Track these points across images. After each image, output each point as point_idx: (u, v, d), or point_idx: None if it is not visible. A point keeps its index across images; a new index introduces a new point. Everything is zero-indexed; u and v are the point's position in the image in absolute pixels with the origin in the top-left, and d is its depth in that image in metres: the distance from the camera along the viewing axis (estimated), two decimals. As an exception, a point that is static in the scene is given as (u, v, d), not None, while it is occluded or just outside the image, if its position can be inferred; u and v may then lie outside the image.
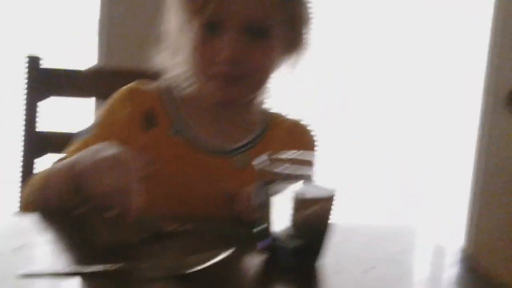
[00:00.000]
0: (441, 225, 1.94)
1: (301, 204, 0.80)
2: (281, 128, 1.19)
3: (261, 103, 1.19)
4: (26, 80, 1.33)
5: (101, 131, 1.10)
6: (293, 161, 0.86)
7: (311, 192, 0.82)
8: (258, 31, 1.06)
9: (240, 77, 1.06)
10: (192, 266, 0.77)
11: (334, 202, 0.83)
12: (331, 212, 0.83)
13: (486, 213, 1.97)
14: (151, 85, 1.17)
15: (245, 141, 1.16)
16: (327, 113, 1.89)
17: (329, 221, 0.83)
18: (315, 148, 1.20)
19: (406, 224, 1.10)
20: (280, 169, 0.83)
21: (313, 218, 0.81)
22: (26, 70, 1.33)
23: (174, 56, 1.12)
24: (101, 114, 1.14)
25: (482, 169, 1.94)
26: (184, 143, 1.12)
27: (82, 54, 1.96)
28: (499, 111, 1.91)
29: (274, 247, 0.82)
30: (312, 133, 1.22)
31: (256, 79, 1.09)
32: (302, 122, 1.22)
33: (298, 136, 1.20)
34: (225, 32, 1.04)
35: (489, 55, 1.91)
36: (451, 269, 0.92)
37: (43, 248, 0.86)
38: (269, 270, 0.85)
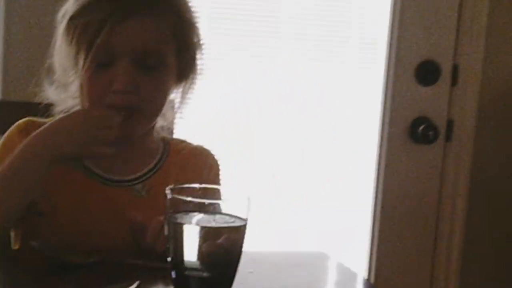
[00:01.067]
0: (347, 251, 1.98)
1: (210, 233, 0.79)
2: (182, 154, 1.19)
3: (158, 131, 1.20)
4: None
5: None
6: (202, 190, 0.85)
7: (220, 222, 0.81)
8: (151, 62, 1.07)
9: (134, 109, 1.07)
10: None
11: (244, 231, 0.82)
12: (242, 241, 0.82)
13: (385, 242, 2.02)
14: (46, 119, 1.14)
15: (145, 170, 1.16)
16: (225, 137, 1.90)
17: (239, 251, 0.83)
18: (219, 171, 1.20)
19: (315, 251, 1.12)
20: (190, 198, 0.81)
21: (223, 248, 0.80)
22: None
23: (65, 88, 1.12)
24: None
25: (380, 199, 2.00)
26: (83, 175, 1.12)
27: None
28: (400, 141, 1.97)
29: (184, 277, 0.81)
30: (215, 156, 1.22)
31: (151, 110, 1.10)
32: (204, 147, 1.23)
33: (203, 159, 1.19)
34: (117, 62, 1.05)
35: (388, 85, 1.97)
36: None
37: None
38: None
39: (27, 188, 1.03)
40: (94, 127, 1.02)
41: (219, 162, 1.22)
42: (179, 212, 0.81)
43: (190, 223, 0.79)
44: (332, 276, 1.05)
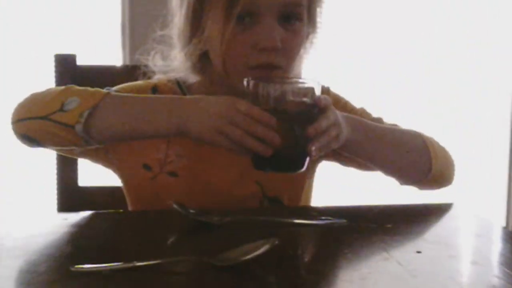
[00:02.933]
0: (481, 202, 1.92)
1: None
2: None
3: None
4: (56, 80, 1.32)
5: None
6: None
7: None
8: (292, 17, 1.05)
9: (276, 67, 1.04)
10: (238, 258, 0.77)
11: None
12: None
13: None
14: (168, 81, 1.18)
15: None
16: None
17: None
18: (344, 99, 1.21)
19: (449, 203, 1.10)
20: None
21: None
22: (56, 69, 1.32)
23: (184, 50, 1.10)
24: None
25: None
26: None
27: (105, 53, 1.97)
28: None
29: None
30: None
31: (288, 67, 1.08)
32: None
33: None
34: (261, 19, 1.02)
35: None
36: (499, 248, 0.91)
37: (92, 245, 0.88)
38: (314, 258, 0.86)
39: (140, 125, 1.02)
40: (230, 121, 0.95)
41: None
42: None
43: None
44: (469, 227, 1.02)
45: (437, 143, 1.17)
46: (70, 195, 1.32)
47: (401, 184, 1.16)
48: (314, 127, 0.94)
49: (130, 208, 1.19)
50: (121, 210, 1.19)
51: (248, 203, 1.14)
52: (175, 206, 0.96)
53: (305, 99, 0.94)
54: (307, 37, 1.11)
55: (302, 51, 1.09)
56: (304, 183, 1.19)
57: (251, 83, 0.95)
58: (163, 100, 1.04)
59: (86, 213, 1.04)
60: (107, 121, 1.03)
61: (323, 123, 0.96)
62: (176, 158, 1.13)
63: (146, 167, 1.14)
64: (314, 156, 0.95)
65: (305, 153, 0.95)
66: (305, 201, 1.21)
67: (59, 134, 1.04)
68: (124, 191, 1.20)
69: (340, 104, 1.20)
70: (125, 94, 1.08)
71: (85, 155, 1.16)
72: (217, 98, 0.99)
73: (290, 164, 0.96)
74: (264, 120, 0.93)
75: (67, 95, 1.04)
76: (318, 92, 0.96)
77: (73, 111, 1.02)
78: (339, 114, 1.02)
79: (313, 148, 0.94)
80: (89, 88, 1.06)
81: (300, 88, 0.95)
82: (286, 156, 0.95)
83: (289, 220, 0.97)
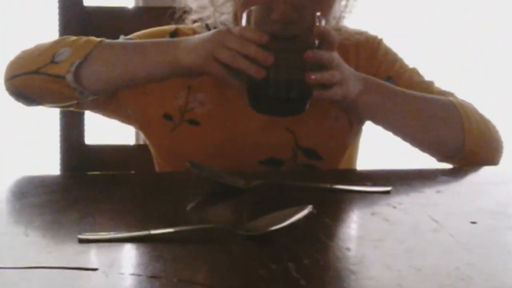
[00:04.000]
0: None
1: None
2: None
3: None
4: (60, 25, 1.31)
5: None
6: None
7: None
8: None
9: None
10: (269, 226, 0.76)
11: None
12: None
13: None
14: (198, 27, 1.19)
15: None
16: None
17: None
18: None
19: (507, 168, 1.10)
20: None
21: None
22: (60, 12, 1.31)
23: None
24: None
25: None
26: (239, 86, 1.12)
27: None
28: None
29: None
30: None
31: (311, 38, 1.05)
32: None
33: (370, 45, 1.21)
34: None
35: None
36: None
37: (104, 210, 0.88)
38: (352, 229, 0.85)
39: (131, 69, 1.05)
40: (221, 43, 0.98)
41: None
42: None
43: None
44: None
45: (479, 117, 1.14)
46: (76, 154, 1.32)
47: (438, 160, 1.15)
48: (312, 52, 0.97)
49: (157, 169, 1.22)
50: (132, 172, 1.20)
51: (278, 153, 1.15)
52: (191, 167, 0.95)
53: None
54: None
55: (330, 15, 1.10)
56: (346, 141, 1.19)
57: (246, 12, 1.00)
58: (156, 43, 1.07)
59: (94, 175, 1.05)
60: (97, 69, 1.06)
61: (325, 55, 0.98)
62: (197, 105, 1.15)
63: (167, 117, 1.16)
64: (315, 96, 0.98)
65: (304, 91, 0.98)
66: (348, 165, 1.21)
67: (52, 87, 1.06)
68: (151, 150, 1.21)
69: (389, 58, 1.20)
70: (118, 41, 1.11)
71: (94, 109, 1.18)
72: (212, 31, 1.03)
73: (288, 101, 0.98)
74: (256, 38, 0.96)
75: (58, 46, 1.08)
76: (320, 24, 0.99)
77: (64, 62, 1.05)
78: (350, 69, 1.05)
79: (312, 77, 0.96)
80: (82, 38, 1.09)
81: None
82: (282, 89, 0.98)
83: (327, 185, 0.96)
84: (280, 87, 0.97)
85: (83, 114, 1.29)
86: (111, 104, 1.16)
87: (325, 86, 1.00)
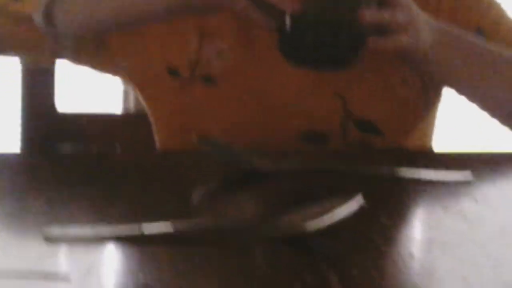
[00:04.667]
0: None
1: None
2: None
3: None
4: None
5: None
6: None
7: None
8: None
9: None
10: (301, 227, 0.76)
11: None
12: None
13: None
14: None
15: None
16: None
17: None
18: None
19: None
20: None
21: None
22: None
23: None
24: None
25: None
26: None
27: None
28: None
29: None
30: None
31: None
32: None
33: None
34: None
35: None
36: None
37: (80, 199, 0.88)
38: (418, 232, 0.86)
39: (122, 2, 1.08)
40: None
41: None
42: None
43: None
44: None
45: None
46: (44, 126, 1.34)
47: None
48: None
49: (158, 146, 1.23)
50: (119, 150, 1.21)
51: (322, 126, 1.16)
52: (201, 143, 0.96)
53: None
54: None
55: None
56: (416, 112, 1.20)
57: None
58: None
59: (68, 151, 1.05)
60: (75, 5, 1.08)
61: None
62: (213, 57, 1.16)
63: (172, 72, 1.17)
64: (370, 45, 0.99)
65: (355, 35, 0.99)
66: (417, 145, 1.22)
67: (15, 30, 1.09)
68: (151, 120, 1.23)
69: (482, 3, 1.21)
70: None
71: (74, 60, 1.19)
72: None
73: (332, 48, 1.00)
74: None
75: None
76: None
77: None
78: (421, 12, 1.06)
79: (367, 15, 0.98)
80: None
81: None
82: (325, 30, 0.99)
83: (385, 170, 0.96)
84: (323, 27, 0.98)
85: (53, 70, 1.29)
86: (98, 53, 1.18)
87: (384, 31, 1.00)
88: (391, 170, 0.96)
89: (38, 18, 1.06)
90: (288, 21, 0.98)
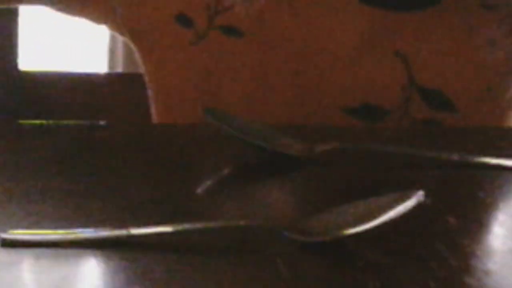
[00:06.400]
0: None
1: None
2: None
3: None
4: None
5: None
6: None
7: None
8: None
9: None
10: (344, 227, 0.77)
11: None
12: None
13: None
14: None
15: None
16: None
17: None
18: None
19: None
20: None
21: None
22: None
23: None
24: None
25: None
26: None
27: None
28: None
29: None
30: None
31: None
32: None
33: None
34: None
35: None
36: None
37: (49, 187, 0.90)
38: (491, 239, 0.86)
39: None
40: None
41: None
42: None
43: None
44: None
45: None
46: (3, 88, 1.34)
47: None
48: None
49: (154, 118, 1.26)
50: (102, 122, 1.21)
51: (378, 96, 1.17)
52: (209, 117, 0.97)
53: None
54: None
55: None
56: (503, 85, 1.20)
57: None
58: None
59: (33, 123, 1.05)
60: None
61: None
62: (240, 1, 1.18)
63: (183, 20, 1.21)
64: None
65: None
66: (500, 123, 1.24)
67: None
68: (148, 86, 1.26)
69: None
70: None
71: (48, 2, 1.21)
72: None
73: None
74: None
75: None
76: None
77: None
78: None
79: None
80: None
81: None
82: None
83: (455, 156, 0.97)
84: None
85: (15, 17, 1.30)
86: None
87: None
88: (462, 155, 0.97)
89: None
90: None
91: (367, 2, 1.02)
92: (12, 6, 1.20)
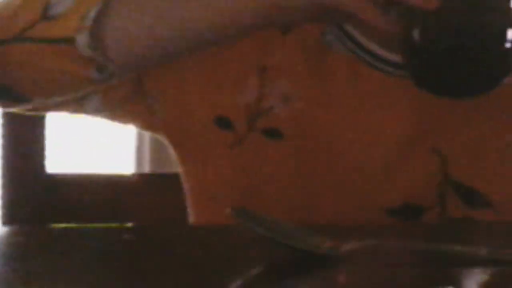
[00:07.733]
0: None
1: None
2: None
3: None
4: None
5: None
6: None
7: None
8: None
9: None
10: None
11: None
12: None
13: None
14: None
15: None
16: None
17: None
18: None
19: None
20: None
21: None
22: None
23: None
24: None
25: None
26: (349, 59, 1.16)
27: None
28: None
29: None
30: None
31: None
32: None
33: None
34: None
35: None
36: None
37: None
38: None
39: (199, 18, 1.08)
40: None
41: None
42: None
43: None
44: None
45: None
46: (29, 192, 1.34)
47: None
48: None
49: (191, 218, 1.25)
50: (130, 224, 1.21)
51: (415, 195, 1.17)
52: (235, 215, 0.98)
53: None
54: None
55: None
56: None
57: None
58: None
59: (61, 227, 1.05)
60: (129, 21, 1.09)
61: None
62: (278, 102, 1.19)
63: (223, 122, 1.20)
64: None
65: (503, 54, 1.01)
66: None
67: (49, 63, 1.08)
68: (184, 186, 1.25)
69: None
70: None
71: (100, 110, 1.21)
72: None
73: (476, 68, 1.00)
74: None
75: None
76: None
77: (68, 14, 1.07)
78: None
79: None
80: None
81: None
82: (469, 42, 1.00)
83: (492, 253, 0.96)
84: (467, 44, 1.00)
85: (41, 120, 1.30)
86: (131, 99, 1.19)
87: None
88: (490, 251, 0.96)
89: (84, 40, 1.05)
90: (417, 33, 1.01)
91: (420, 85, 1.00)
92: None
